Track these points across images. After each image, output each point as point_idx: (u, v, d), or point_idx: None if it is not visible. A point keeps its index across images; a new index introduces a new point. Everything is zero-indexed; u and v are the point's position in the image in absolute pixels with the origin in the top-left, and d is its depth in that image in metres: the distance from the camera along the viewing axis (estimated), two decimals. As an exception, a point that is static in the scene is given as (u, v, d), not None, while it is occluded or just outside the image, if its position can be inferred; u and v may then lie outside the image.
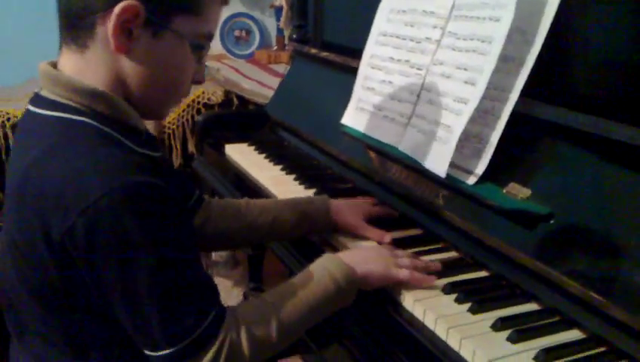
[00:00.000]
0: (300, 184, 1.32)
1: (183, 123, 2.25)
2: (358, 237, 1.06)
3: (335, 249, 1.07)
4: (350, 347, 1.05)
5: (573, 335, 0.80)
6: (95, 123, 0.76)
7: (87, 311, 0.77)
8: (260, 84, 2.30)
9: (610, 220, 0.84)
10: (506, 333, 0.79)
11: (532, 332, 0.79)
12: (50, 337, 0.80)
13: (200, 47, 0.81)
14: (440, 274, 0.93)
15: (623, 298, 0.76)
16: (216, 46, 2.84)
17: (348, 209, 1.09)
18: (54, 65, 0.80)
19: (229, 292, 2.44)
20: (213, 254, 2.47)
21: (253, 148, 1.56)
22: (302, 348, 1.94)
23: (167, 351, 0.72)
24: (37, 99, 0.80)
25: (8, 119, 2.03)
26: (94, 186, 0.68)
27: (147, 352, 0.74)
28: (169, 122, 2.25)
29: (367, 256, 0.92)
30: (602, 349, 0.77)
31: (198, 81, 0.85)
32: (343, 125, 1.35)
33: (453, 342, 0.79)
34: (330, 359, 1.77)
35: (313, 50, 1.66)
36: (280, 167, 1.42)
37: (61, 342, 0.79)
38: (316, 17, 1.71)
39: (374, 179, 1.24)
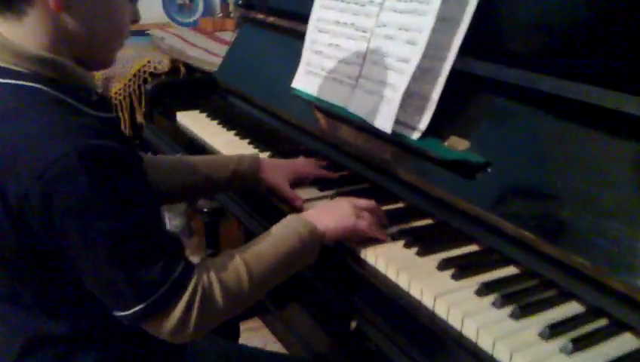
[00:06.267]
0: (255, 148, 1.36)
1: (130, 93, 2.23)
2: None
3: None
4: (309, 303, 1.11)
5: (510, 271, 0.89)
6: (46, 88, 0.76)
7: (52, 273, 0.78)
8: (206, 52, 2.30)
9: (541, 166, 0.92)
10: (449, 272, 0.86)
11: (473, 269, 0.87)
12: (19, 300, 0.81)
13: None
14: (389, 223, 1.00)
15: (554, 235, 0.85)
16: (159, 14, 2.80)
17: (275, 169, 1.14)
18: None
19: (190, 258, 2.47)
20: (168, 223, 2.48)
21: (205, 115, 1.59)
22: (260, 310, 2.01)
23: (139, 307, 0.73)
24: None
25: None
26: (48, 152, 0.69)
27: (118, 314, 0.75)
28: (115, 93, 2.23)
29: (327, 212, 0.95)
30: (535, 282, 0.86)
31: (135, 20, 0.87)
32: (293, 89, 1.39)
33: (402, 282, 0.87)
34: (288, 318, 1.84)
35: (260, 16, 1.68)
36: (233, 132, 1.46)
37: (30, 304, 0.80)
38: (261, -18, 1.73)
39: (325, 140, 1.29)
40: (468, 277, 0.86)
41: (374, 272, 0.91)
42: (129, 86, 2.24)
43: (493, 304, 0.79)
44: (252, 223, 1.22)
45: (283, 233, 0.88)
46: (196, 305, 0.76)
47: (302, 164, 1.19)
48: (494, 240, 0.92)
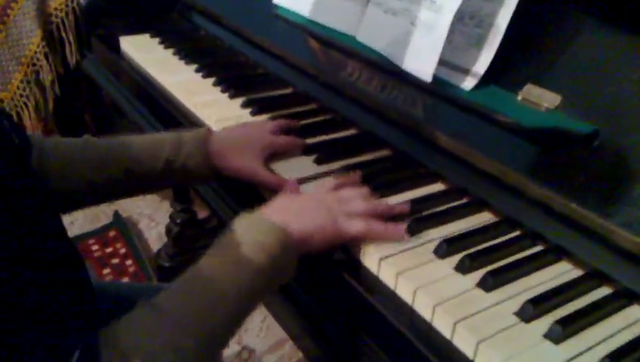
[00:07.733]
0: (223, 91, 0.97)
1: (73, 8, 1.78)
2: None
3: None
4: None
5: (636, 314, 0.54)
6: None
7: None
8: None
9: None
10: (538, 323, 0.52)
11: (578, 318, 0.52)
12: None
13: None
14: (422, 221, 0.64)
15: None
16: None
17: (236, 147, 0.75)
18: None
19: (157, 209, 2.14)
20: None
21: (157, 40, 1.18)
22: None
23: None
24: None
25: None
26: None
27: None
28: (55, 8, 1.78)
29: (303, 206, 0.63)
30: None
31: None
32: (276, 7, 0.99)
33: (441, 326, 0.52)
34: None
35: None
36: (194, 66, 1.06)
37: None
38: None
39: (321, 81, 0.91)
40: (573, 332, 0.51)
41: (392, 298, 0.57)
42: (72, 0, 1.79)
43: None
44: (215, 200, 0.86)
45: (243, 251, 0.55)
46: None
47: (271, 129, 0.79)
48: (603, 258, 0.57)
